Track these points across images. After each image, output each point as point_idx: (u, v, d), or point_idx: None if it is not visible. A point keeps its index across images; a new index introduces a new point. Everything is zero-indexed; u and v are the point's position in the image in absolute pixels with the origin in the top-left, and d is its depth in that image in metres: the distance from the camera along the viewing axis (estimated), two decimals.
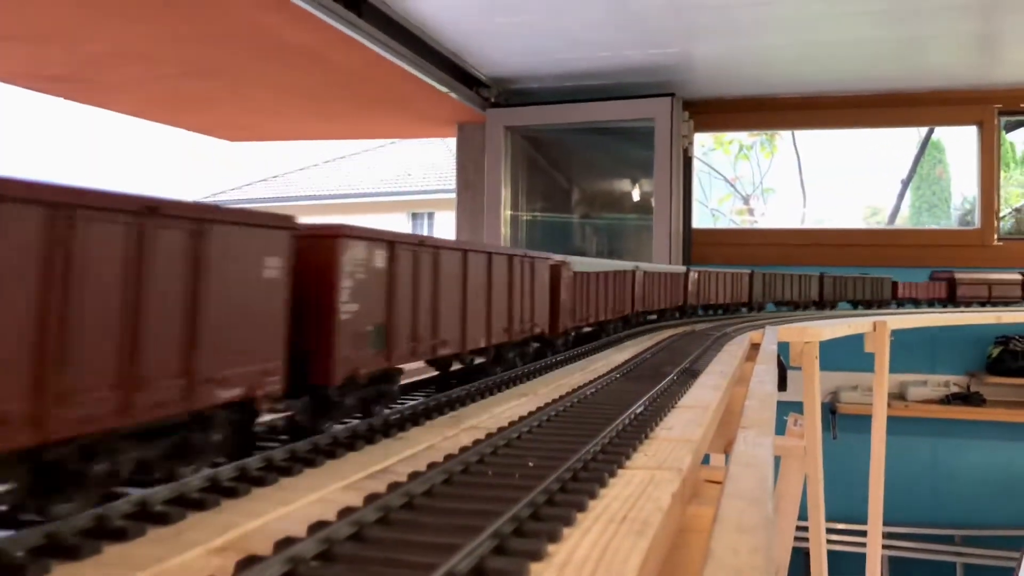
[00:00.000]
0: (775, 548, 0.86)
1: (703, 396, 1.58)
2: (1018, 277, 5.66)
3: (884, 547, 5.15)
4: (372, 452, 1.19)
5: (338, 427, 1.24)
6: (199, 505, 0.90)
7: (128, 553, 0.77)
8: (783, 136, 8.14)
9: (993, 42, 4.70)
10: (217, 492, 0.94)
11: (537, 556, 0.75)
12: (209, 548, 0.79)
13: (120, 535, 0.79)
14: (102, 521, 0.80)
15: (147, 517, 0.84)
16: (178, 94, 5.32)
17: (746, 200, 8.20)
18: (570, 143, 6.44)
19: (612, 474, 1.03)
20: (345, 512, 0.81)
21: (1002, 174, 5.79)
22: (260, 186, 25.06)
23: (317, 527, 0.76)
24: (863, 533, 4.67)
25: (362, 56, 4.22)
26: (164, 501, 0.89)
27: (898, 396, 5.56)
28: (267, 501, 0.94)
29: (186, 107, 5.79)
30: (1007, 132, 6.96)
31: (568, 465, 1.01)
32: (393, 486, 0.91)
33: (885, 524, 4.67)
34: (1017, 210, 6.53)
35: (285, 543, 0.72)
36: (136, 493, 0.87)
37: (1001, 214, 5.77)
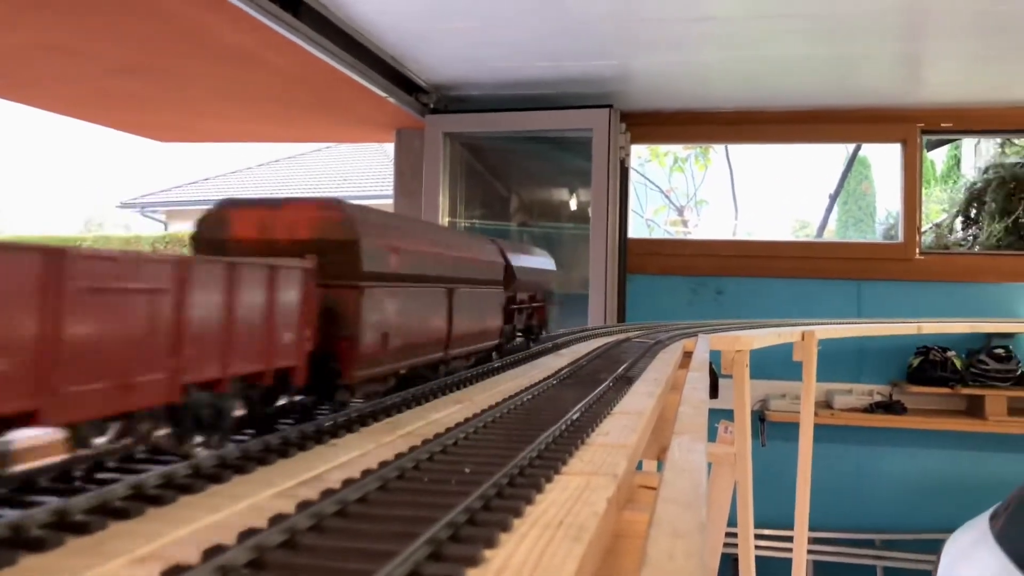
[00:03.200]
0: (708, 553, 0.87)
1: (637, 403, 1.59)
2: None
3: (809, 552, 5.28)
4: (305, 459, 1.17)
5: (269, 435, 1.22)
6: (122, 514, 0.87)
7: (45, 565, 0.74)
8: (717, 150, 8.32)
9: (916, 63, 4.89)
10: (142, 500, 0.91)
11: (474, 562, 0.74)
12: (132, 558, 0.76)
13: (37, 545, 0.76)
14: (18, 531, 0.77)
15: (66, 527, 0.81)
16: (106, 91, 5.16)
17: (680, 211, 8.36)
18: (510, 151, 6.47)
19: (549, 479, 1.03)
20: (277, 519, 0.79)
21: (923, 190, 6.02)
22: (191, 188, 24.51)
23: (247, 535, 0.74)
24: (790, 539, 4.78)
25: (300, 58, 4.16)
26: (84, 510, 0.85)
27: (824, 404, 5.72)
28: (195, 509, 0.92)
29: (115, 105, 5.62)
30: (928, 150, 7.24)
31: (505, 471, 1.00)
32: (326, 493, 0.89)
33: (810, 529, 4.79)
34: (937, 225, 6.81)
35: (214, 551, 0.70)
36: (54, 501, 0.83)
37: (922, 229, 5.99)
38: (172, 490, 0.95)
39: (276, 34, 3.77)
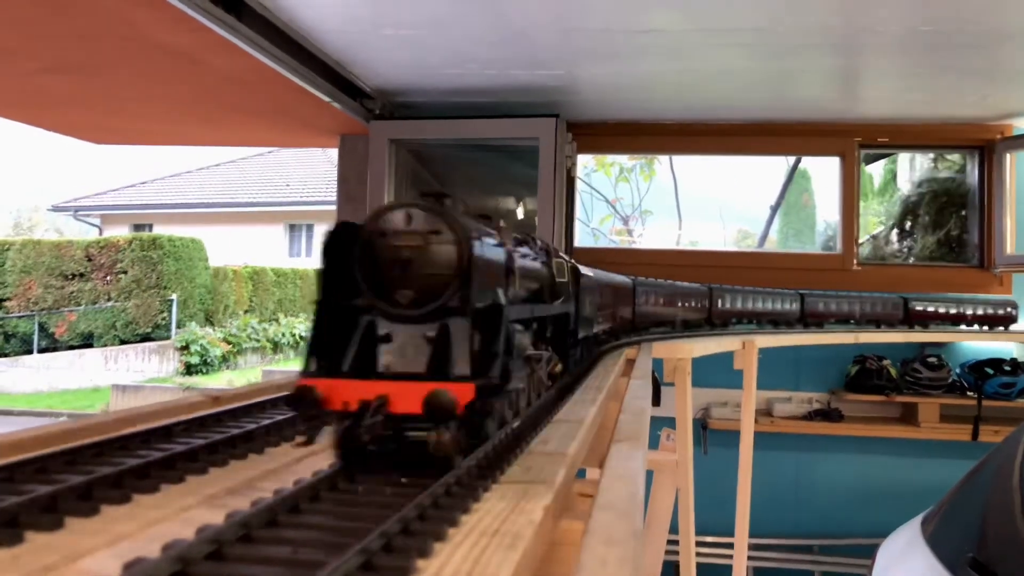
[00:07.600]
0: (644, 560, 0.86)
1: (578, 411, 1.59)
2: None
3: (749, 558, 5.35)
4: (237, 468, 1.14)
5: (199, 440, 1.18)
6: (40, 527, 0.83)
7: None
8: (661, 160, 8.42)
9: (854, 79, 5.01)
10: (60, 512, 0.87)
11: (406, 572, 0.73)
12: (49, 574, 0.73)
13: None
14: None
15: None
16: (38, 90, 5.00)
17: (625, 221, 8.42)
18: (456, 158, 6.45)
19: (486, 488, 1.02)
20: (203, 529, 0.77)
21: (861, 203, 6.18)
22: (128, 192, 23.91)
23: (172, 546, 0.72)
24: (730, 545, 4.83)
25: (242, 61, 4.09)
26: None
27: (765, 412, 5.81)
28: (118, 520, 0.88)
29: (47, 105, 5.46)
30: (866, 164, 7.43)
31: (442, 480, 0.99)
32: (256, 503, 0.87)
33: (751, 536, 4.86)
34: (874, 237, 6.99)
35: (135, 563, 0.67)
36: None
37: (860, 241, 6.14)
38: (92, 501, 0.92)
39: (218, 36, 3.70)
